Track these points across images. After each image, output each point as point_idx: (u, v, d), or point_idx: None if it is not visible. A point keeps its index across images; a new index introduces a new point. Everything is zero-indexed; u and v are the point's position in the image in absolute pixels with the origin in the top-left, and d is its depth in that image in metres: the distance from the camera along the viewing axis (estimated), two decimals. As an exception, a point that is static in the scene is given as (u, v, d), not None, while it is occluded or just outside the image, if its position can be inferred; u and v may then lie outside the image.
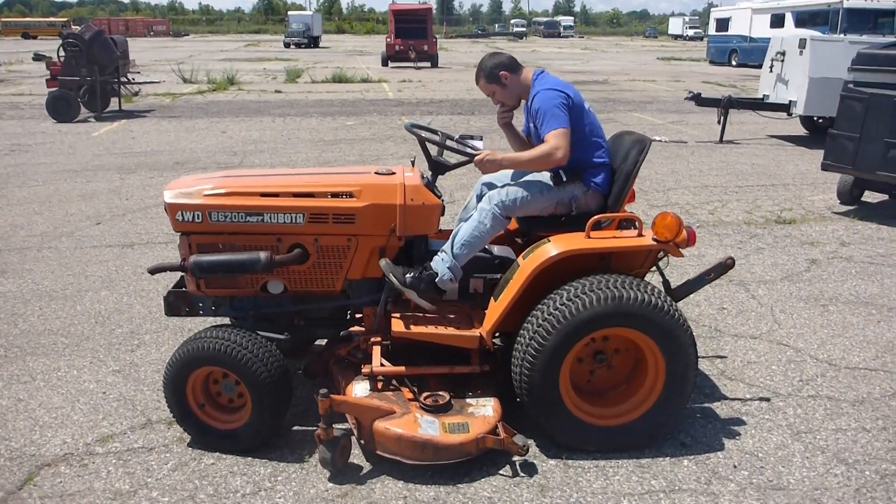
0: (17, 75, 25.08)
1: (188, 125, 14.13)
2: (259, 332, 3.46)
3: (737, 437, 3.62)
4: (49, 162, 10.52)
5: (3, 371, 4.29)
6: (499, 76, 3.78)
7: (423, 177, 3.72)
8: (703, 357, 4.49)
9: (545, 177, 3.60)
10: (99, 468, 3.34)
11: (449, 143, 3.78)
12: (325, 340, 4.04)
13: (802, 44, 11.74)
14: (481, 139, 4.01)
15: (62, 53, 14.48)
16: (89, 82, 14.43)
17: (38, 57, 16.17)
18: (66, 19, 61.89)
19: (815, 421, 3.80)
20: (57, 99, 14.28)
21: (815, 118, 12.93)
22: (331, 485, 3.22)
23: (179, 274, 3.75)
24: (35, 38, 60.64)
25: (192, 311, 3.80)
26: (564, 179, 3.57)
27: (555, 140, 3.48)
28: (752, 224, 7.56)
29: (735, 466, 3.38)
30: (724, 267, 3.67)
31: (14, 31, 65.01)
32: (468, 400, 3.47)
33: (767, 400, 4.01)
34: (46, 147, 11.70)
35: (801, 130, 13.62)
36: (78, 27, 19.60)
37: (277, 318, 3.75)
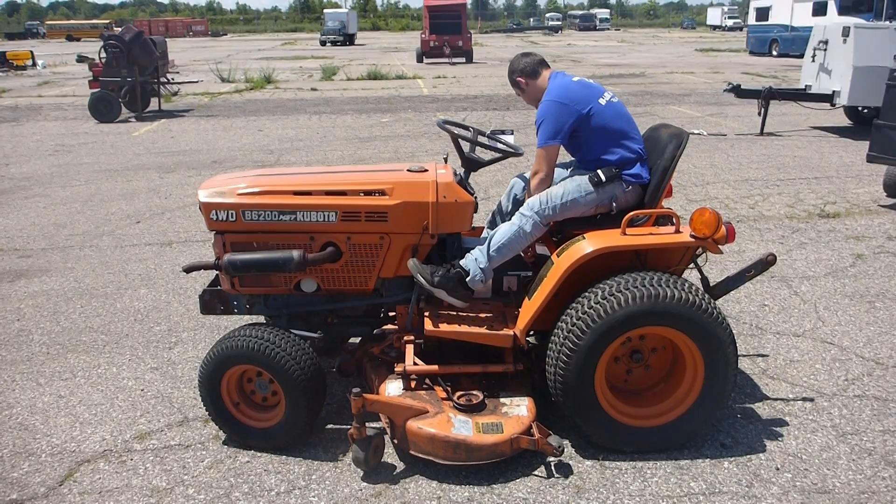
0: (62, 77, 25.64)
1: (226, 124, 14.29)
2: (293, 331, 3.47)
3: (779, 439, 3.53)
4: (91, 162, 10.74)
5: (46, 368, 4.38)
6: (517, 81, 3.82)
7: (455, 174, 3.69)
8: (744, 355, 4.39)
9: (584, 180, 3.53)
10: (137, 465, 3.38)
11: (481, 139, 3.75)
12: (359, 339, 4.04)
13: (846, 32, 11.43)
14: (512, 133, 3.98)
15: (103, 55, 14.77)
16: (130, 83, 14.71)
17: (81, 58, 16.60)
18: (108, 21, 63.18)
19: (862, 422, 3.68)
20: (99, 100, 14.57)
21: (860, 108, 12.59)
22: (364, 484, 3.21)
23: (215, 272, 3.78)
24: (79, 40, 62.06)
25: (227, 310, 3.82)
26: (604, 180, 3.49)
27: (536, 163, 3.59)
28: (795, 218, 7.38)
29: (778, 469, 3.29)
30: (765, 264, 3.59)
31: (59, 34, 66.63)
32: (502, 399, 3.43)
33: (811, 400, 3.90)
34: (88, 147, 11.95)
35: (845, 121, 13.27)
36: (119, 29, 19.97)
37: (311, 317, 3.76)
